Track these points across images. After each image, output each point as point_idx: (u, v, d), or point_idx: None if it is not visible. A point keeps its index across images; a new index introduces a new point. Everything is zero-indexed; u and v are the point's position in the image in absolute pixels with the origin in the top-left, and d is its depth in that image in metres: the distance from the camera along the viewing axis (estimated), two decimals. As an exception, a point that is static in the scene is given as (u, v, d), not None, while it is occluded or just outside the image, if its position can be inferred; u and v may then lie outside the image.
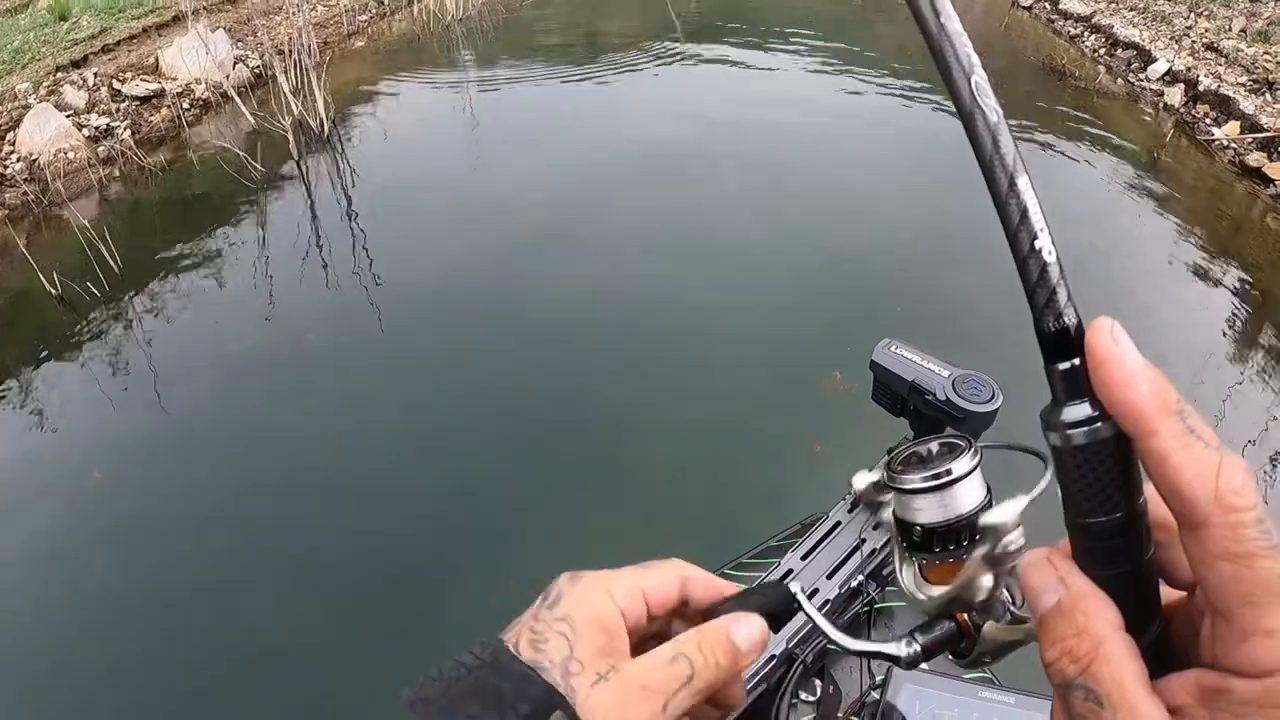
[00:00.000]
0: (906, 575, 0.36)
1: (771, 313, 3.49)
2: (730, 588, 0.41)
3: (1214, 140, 5.37)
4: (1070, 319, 0.25)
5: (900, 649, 0.35)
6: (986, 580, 0.31)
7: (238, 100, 4.77)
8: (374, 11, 8.54)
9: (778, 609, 0.39)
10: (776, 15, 8.47)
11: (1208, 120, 5.69)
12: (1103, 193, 4.91)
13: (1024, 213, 0.25)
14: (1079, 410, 0.25)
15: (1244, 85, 5.81)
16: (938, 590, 0.34)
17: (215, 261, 3.88)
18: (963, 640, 0.34)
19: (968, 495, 0.33)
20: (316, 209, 4.27)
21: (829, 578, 0.80)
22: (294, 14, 6.08)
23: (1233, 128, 5.40)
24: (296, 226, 4.12)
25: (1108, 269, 4.04)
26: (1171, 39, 6.99)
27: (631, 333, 3.42)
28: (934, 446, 0.35)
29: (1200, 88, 5.95)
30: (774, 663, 0.75)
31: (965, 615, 0.34)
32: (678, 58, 7.20)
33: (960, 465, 0.33)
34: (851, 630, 0.78)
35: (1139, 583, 0.26)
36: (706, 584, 0.40)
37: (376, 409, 3.07)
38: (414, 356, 3.33)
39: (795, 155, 5.09)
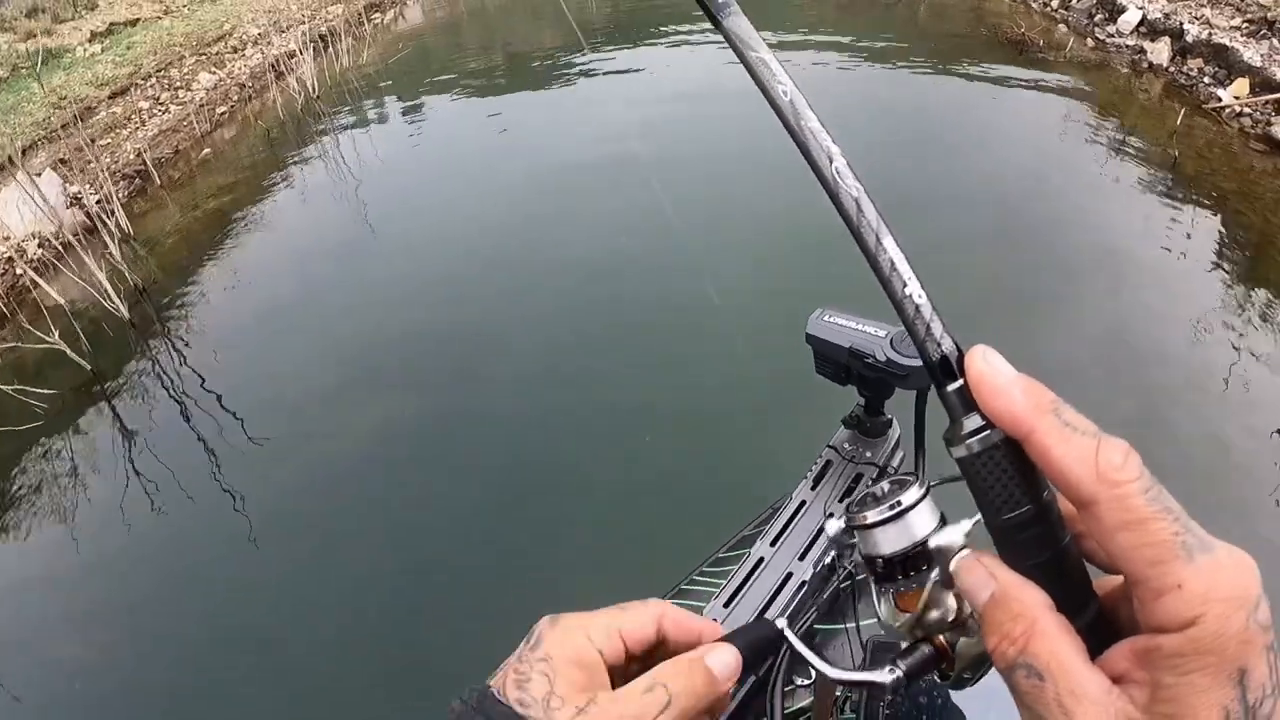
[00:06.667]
0: (884, 608, 0.37)
1: (710, 306, 3.30)
2: (707, 623, 0.43)
3: (1223, 107, 4.46)
4: (949, 346, 0.30)
5: (884, 677, 0.37)
6: (950, 600, 0.34)
7: (42, 284, 3.70)
8: (235, 99, 7.49)
9: (761, 642, 0.43)
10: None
11: (1207, 79, 4.78)
12: (1099, 188, 4.02)
13: (892, 264, 0.30)
14: (972, 422, 0.28)
15: (1239, 29, 4.90)
16: (908, 615, 0.36)
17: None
18: (943, 661, 0.36)
19: (920, 523, 0.35)
20: (130, 427, 3.27)
21: (801, 559, 0.81)
22: (95, 154, 4.99)
23: (1240, 86, 4.49)
24: (107, 459, 3.13)
25: (1117, 276, 3.20)
26: (1134, -21, 6.07)
27: (573, 365, 3.35)
28: (885, 485, 0.37)
29: (1188, 38, 5.03)
30: None
31: (942, 637, 0.36)
32: (576, 80, 6.32)
33: (909, 496, 0.35)
34: (836, 609, 0.81)
35: (1062, 567, 0.29)
36: (684, 622, 0.42)
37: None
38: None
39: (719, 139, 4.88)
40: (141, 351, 3.73)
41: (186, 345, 3.79)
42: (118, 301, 3.63)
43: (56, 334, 3.26)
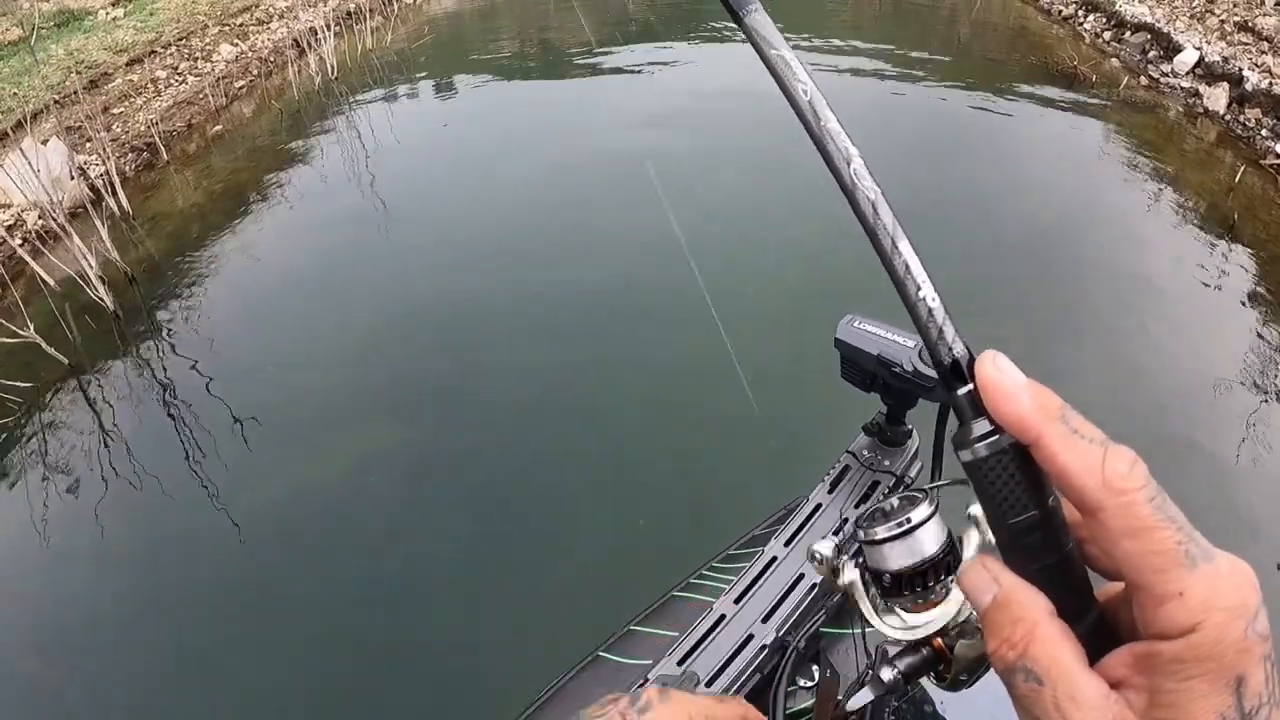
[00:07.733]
0: (883, 621, 0.37)
1: (729, 306, 3.31)
2: None
3: (1281, 164, 4.22)
4: (960, 350, 0.29)
5: (883, 677, 0.38)
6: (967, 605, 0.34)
7: (32, 262, 3.54)
8: (254, 73, 7.32)
9: None
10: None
11: (1265, 132, 4.53)
12: (1143, 238, 3.80)
13: (907, 266, 0.30)
14: (980, 427, 0.28)
15: (1303, 80, 4.64)
16: (925, 616, 0.36)
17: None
18: (940, 663, 0.36)
19: (928, 540, 0.35)
20: (113, 427, 3.12)
21: None
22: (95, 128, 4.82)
23: (1301, 143, 4.24)
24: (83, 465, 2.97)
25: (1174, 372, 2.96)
26: (1192, 17, 5.80)
27: (585, 359, 3.34)
28: (894, 501, 0.36)
29: (1247, 86, 4.77)
30: (766, 652, 0.76)
31: (940, 639, 0.36)
32: (614, 72, 6.23)
33: (918, 513, 0.35)
34: (843, 614, 0.85)
35: (1064, 573, 0.28)
36: None
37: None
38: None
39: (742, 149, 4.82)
40: (126, 346, 3.56)
41: (177, 340, 3.62)
42: (102, 291, 3.45)
43: (32, 327, 3.09)
